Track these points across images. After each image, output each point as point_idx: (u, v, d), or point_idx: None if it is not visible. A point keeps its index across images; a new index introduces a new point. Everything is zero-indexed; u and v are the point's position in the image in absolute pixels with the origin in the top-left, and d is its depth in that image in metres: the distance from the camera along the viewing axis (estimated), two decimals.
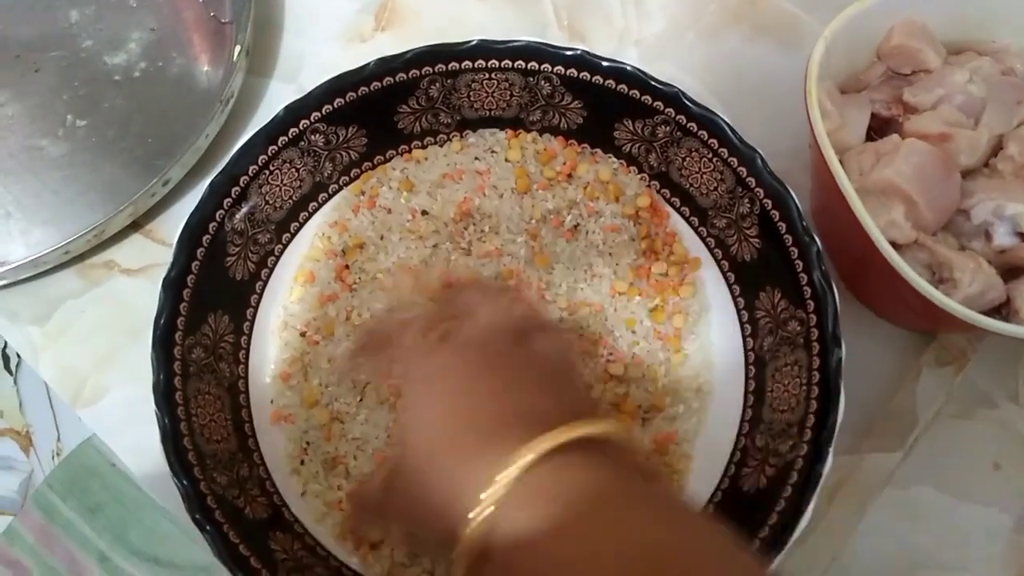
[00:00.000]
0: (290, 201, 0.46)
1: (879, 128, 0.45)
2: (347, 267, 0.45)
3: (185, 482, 0.38)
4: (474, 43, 0.45)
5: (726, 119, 0.43)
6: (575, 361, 0.35)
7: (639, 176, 0.47)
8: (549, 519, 0.26)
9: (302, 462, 0.42)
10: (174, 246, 0.42)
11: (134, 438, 0.45)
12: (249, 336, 0.44)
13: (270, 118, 0.44)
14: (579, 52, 0.45)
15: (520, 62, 0.46)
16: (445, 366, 0.32)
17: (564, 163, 0.47)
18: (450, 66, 0.46)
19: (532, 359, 0.33)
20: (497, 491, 0.26)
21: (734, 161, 0.43)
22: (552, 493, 0.27)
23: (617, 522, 0.26)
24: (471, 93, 0.47)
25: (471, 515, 0.27)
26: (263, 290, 0.45)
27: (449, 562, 0.28)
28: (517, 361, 0.32)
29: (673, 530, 0.26)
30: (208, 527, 0.37)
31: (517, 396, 0.30)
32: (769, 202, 0.42)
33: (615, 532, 0.25)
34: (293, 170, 0.45)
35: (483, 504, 0.26)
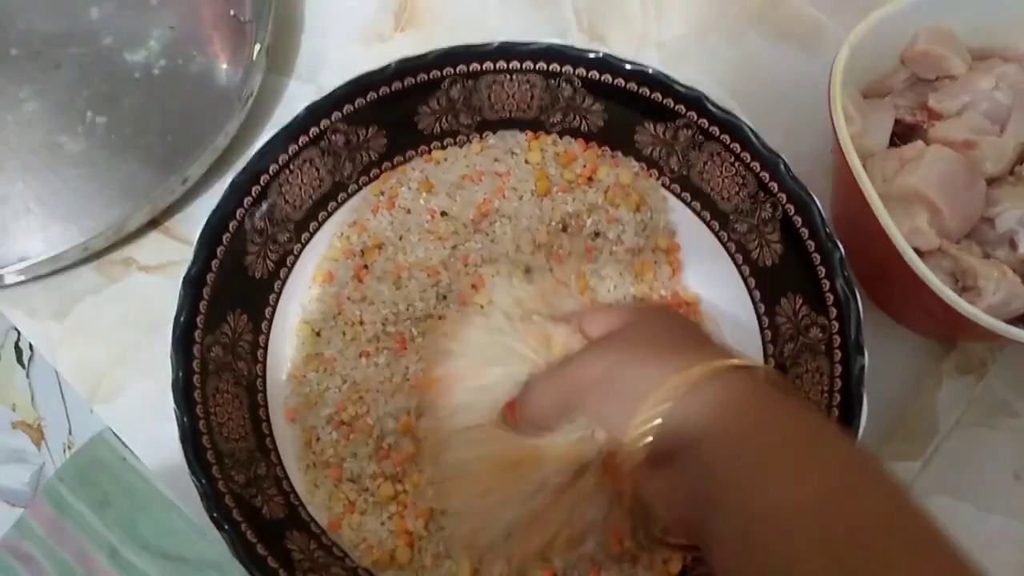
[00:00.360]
0: (310, 200, 0.46)
1: (903, 134, 0.45)
2: (366, 267, 0.45)
3: (204, 481, 0.38)
4: (496, 45, 0.45)
5: (748, 123, 0.43)
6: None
7: (659, 180, 0.47)
8: (722, 412, 0.29)
9: (314, 464, 0.42)
10: (195, 244, 0.42)
11: (150, 435, 0.45)
12: (267, 335, 0.44)
13: (291, 117, 0.44)
14: (601, 55, 0.45)
15: (542, 64, 0.46)
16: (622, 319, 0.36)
17: (584, 166, 0.47)
18: (471, 67, 0.46)
19: (683, 323, 0.38)
20: (679, 387, 0.30)
21: (756, 166, 0.43)
22: (724, 395, 0.30)
23: (778, 415, 0.30)
24: (492, 94, 0.47)
25: (652, 404, 0.30)
26: (281, 289, 0.45)
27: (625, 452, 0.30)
28: (673, 321, 0.37)
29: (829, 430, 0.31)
30: (226, 526, 0.37)
31: (684, 340, 0.34)
32: (791, 207, 0.42)
33: (779, 422, 0.29)
34: (313, 169, 0.45)
35: (667, 392, 0.30)
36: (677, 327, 0.36)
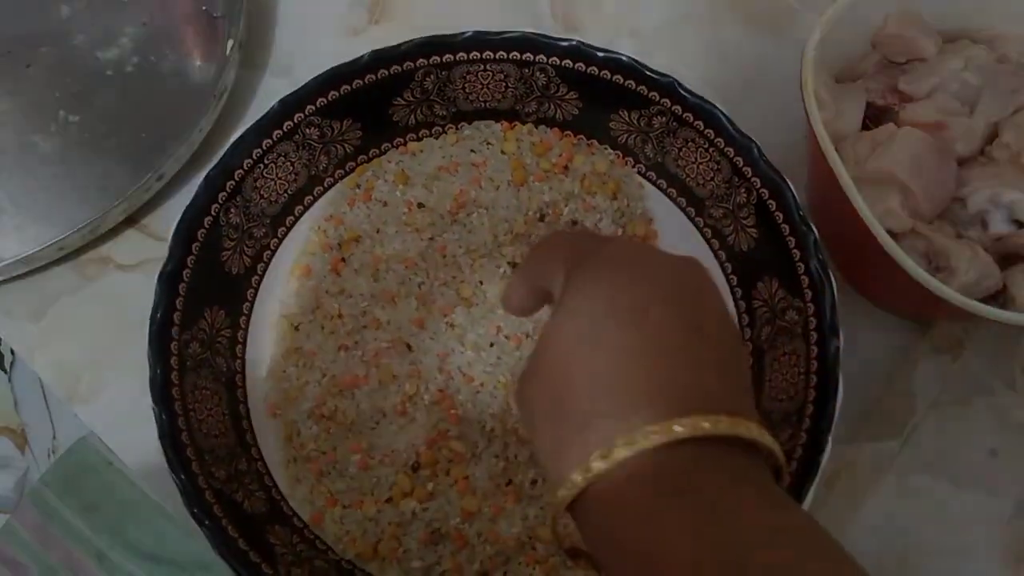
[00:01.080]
0: (285, 195, 0.46)
1: (875, 117, 0.45)
2: (343, 260, 0.45)
3: (183, 477, 0.38)
4: (469, 35, 0.45)
5: (722, 109, 0.43)
6: (747, 358, 0.31)
7: (635, 168, 0.47)
8: (662, 508, 0.24)
9: (295, 458, 0.42)
10: (169, 240, 0.41)
11: (131, 434, 0.45)
12: (246, 330, 0.44)
13: (264, 112, 0.44)
14: (574, 43, 0.45)
15: (515, 53, 0.46)
16: (618, 270, 0.28)
17: (560, 155, 0.47)
18: (445, 58, 0.46)
19: (713, 330, 0.27)
20: (620, 452, 0.24)
21: (730, 151, 0.43)
22: (679, 478, 0.24)
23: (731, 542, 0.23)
24: (466, 85, 0.47)
25: (587, 462, 0.24)
26: (259, 284, 0.45)
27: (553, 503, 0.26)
28: (699, 322, 0.27)
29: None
30: (207, 521, 0.37)
31: (686, 359, 0.26)
32: (766, 192, 0.42)
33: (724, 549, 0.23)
34: (288, 163, 0.45)
35: (604, 452, 0.24)
36: (694, 337, 0.27)
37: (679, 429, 0.24)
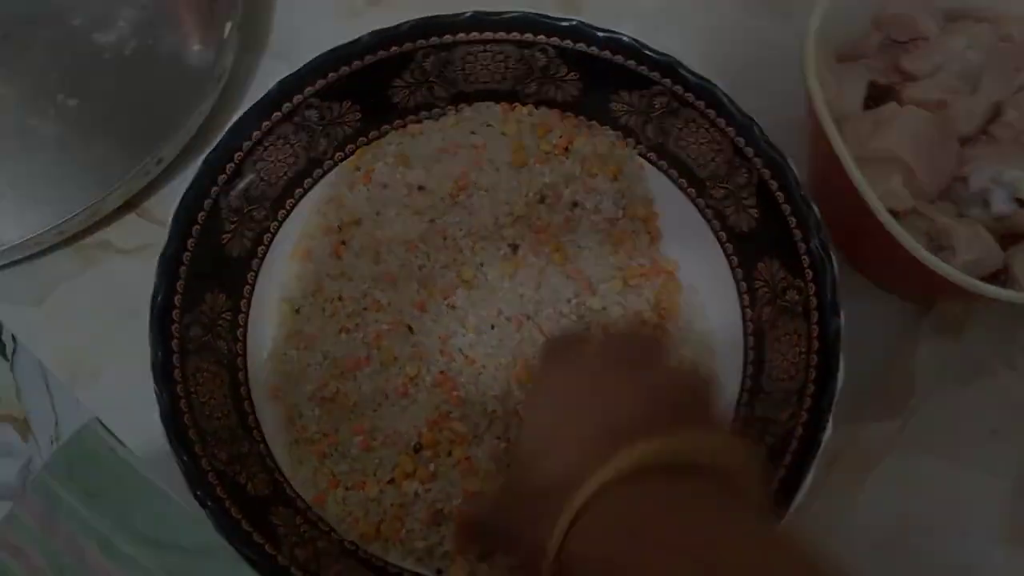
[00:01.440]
0: (285, 177, 0.45)
1: (877, 96, 0.45)
2: (343, 243, 0.45)
3: (186, 459, 0.38)
4: (468, 15, 0.45)
5: (723, 89, 0.43)
6: (712, 401, 0.34)
7: (636, 149, 0.47)
8: (625, 541, 0.26)
9: (297, 441, 0.42)
10: (169, 223, 0.41)
11: (134, 418, 0.45)
12: (247, 313, 0.44)
13: (263, 94, 0.44)
14: (575, 23, 0.45)
15: (515, 33, 0.45)
16: (571, 373, 0.34)
17: (561, 136, 0.47)
18: (444, 38, 0.45)
19: (662, 384, 0.33)
20: (577, 500, 0.27)
21: (731, 131, 0.43)
22: (634, 513, 0.27)
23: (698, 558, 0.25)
24: (466, 66, 0.46)
25: (555, 527, 0.27)
26: (259, 267, 0.45)
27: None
28: (646, 382, 0.32)
29: None
30: (210, 503, 0.37)
31: (633, 410, 0.31)
32: (767, 171, 0.42)
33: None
34: (288, 146, 0.45)
35: (566, 511, 0.27)
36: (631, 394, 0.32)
37: (619, 461, 0.27)
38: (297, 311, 0.44)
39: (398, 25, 0.44)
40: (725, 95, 0.43)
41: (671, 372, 0.34)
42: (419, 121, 0.48)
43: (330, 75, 0.44)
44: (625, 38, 0.44)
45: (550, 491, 0.28)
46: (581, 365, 0.34)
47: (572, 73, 0.46)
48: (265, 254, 0.45)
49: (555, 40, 0.45)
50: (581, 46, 0.45)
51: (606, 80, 0.45)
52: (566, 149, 0.46)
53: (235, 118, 0.44)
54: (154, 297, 0.40)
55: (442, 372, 0.42)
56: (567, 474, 0.28)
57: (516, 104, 0.47)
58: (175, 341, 0.40)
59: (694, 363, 0.40)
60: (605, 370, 0.33)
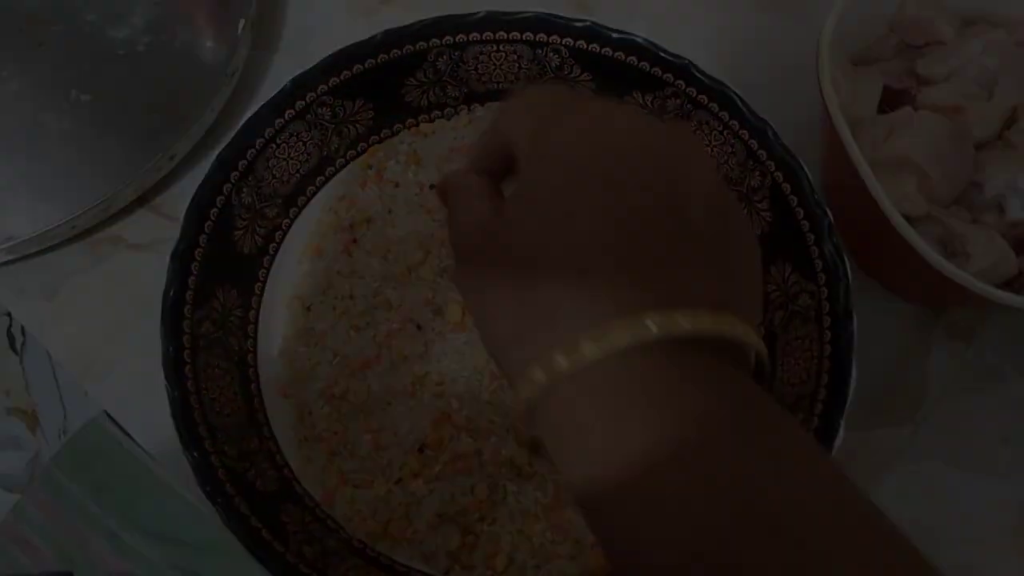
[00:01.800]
0: (297, 175, 0.45)
1: (892, 101, 0.45)
2: (355, 241, 0.45)
3: (196, 454, 0.38)
4: (482, 15, 0.45)
5: (737, 91, 0.43)
6: (746, 249, 0.25)
7: None
8: (639, 440, 0.20)
9: (306, 438, 0.42)
10: (182, 219, 0.41)
11: (143, 413, 0.45)
12: (257, 310, 0.44)
13: (276, 91, 0.44)
14: (588, 23, 0.44)
15: (529, 34, 0.45)
16: (582, 144, 0.24)
17: None
18: (458, 38, 0.45)
19: (699, 214, 0.23)
20: (587, 349, 0.21)
21: (745, 134, 0.43)
22: (653, 389, 0.21)
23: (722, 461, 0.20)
24: (479, 65, 0.46)
25: (551, 356, 0.21)
26: (271, 264, 0.45)
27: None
28: (681, 205, 0.23)
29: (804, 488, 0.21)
30: (219, 499, 0.37)
31: (662, 244, 0.22)
32: (780, 175, 0.42)
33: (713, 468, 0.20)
34: (300, 143, 0.45)
35: (568, 349, 0.21)
36: (674, 209, 0.23)
37: (651, 325, 0.20)
38: (308, 309, 0.44)
39: (411, 24, 0.44)
40: (739, 97, 0.43)
41: (711, 185, 0.24)
42: (431, 120, 0.48)
43: (343, 73, 0.44)
44: (640, 39, 0.44)
45: (550, 313, 0.22)
46: (597, 165, 0.23)
47: (585, 74, 0.46)
48: (276, 251, 0.45)
49: (569, 41, 0.45)
50: (595, 47, 0.45)
51: (619, 81, 0.45)
52: None
53: (248, 115, 0.44)
54: (166, 293, 0.40)
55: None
56: (576, 301, 0.22)
57: None
58: (186, 337, 0.40)
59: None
60: (625, 179, 0.23)
